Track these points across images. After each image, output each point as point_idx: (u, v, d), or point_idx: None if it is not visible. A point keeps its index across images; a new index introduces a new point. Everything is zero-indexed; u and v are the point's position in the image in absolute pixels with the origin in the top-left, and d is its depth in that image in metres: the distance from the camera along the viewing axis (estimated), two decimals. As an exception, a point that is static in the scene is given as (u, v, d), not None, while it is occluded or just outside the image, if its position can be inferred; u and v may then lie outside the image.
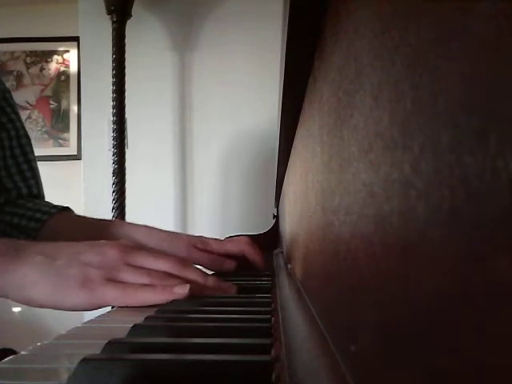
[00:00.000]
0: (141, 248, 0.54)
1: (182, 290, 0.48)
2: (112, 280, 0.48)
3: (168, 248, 0.75)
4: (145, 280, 0.49)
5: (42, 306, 0.48)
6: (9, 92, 0.88)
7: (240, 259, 0.81)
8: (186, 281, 0.51)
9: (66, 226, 0.78)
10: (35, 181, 0.86)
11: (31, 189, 0.85)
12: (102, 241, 0.54)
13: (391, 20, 0.16)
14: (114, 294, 0.47)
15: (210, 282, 0.54)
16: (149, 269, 0.51)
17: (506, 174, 0.09)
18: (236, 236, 1.33)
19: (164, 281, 0.50)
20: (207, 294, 0.52)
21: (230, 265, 0.77)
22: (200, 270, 0.56)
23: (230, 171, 1.88)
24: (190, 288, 0.49)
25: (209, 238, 0.82)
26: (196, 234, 1.85)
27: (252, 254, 0.80)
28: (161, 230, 0.80)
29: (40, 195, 0.87)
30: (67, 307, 0.47)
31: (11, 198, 0.82)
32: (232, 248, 0.80)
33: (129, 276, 0.49)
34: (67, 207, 0.82)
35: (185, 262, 0.55)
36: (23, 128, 0.87)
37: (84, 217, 0.82)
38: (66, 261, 0.48)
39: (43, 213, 0.78)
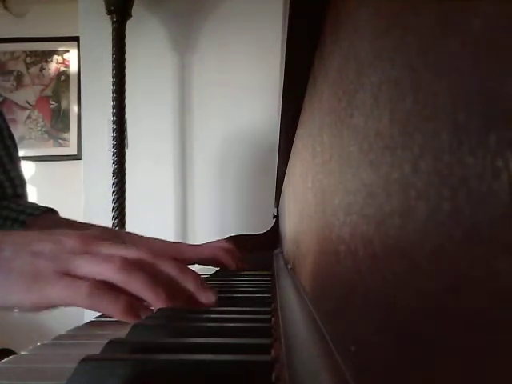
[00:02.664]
0: (107, 239, 0.45)
1: (143, 314, 0.39)
2: (66, 274, 0.40)
3: None
4: (105, 271, 0.40)
5: None
6: None
7: (215, 263, 0.83)
8: (154, 275, 0.42)
9: (49, 228, 0.78)
10: (20, 181, 0.87)
11: (16, 189, 0.85)
12: (64, 230, 0.46)
13: (391, 20, 0.16)
14: (62, 294, 0.39)
15: (189, 283, 0.45)
16: (112, 256, 0.42)
17: (506, 174, 0.09)
18: (237, 236, 1.33)
19: (129, 275, 0.41)
20: (183, 301, 0.43)
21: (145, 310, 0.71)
22: (178, 264, 0.46)
23: (230, 171, 1.88)
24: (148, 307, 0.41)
25: (184, 244, 0.83)
26: (196, 234, 1.85)
27: (224, 257, 0.81)
28: (140, 236, 0.80)
29: (24, 195, 0.87)
30: (11, 305, 0.40)
31: None
32: (205, 254, 0.81)
33: (85, 266, 0.41)
34: (51, 209, 0.82)
35: (157, 253, 0.45)
36: (8, 129, 0.87)
37: (67, 219, 0.82)
38: (12, 251, 0.41)
39: (28, 214, 0.78)
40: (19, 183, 0.86)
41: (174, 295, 0.43)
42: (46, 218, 0.80)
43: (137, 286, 0.41)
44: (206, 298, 0.45)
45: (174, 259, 0.46)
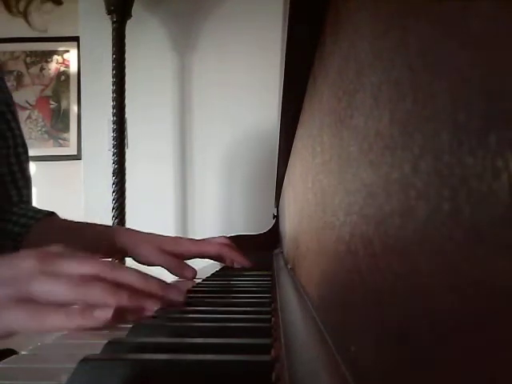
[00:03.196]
0: (63, 254, 0.44)
1: (103, 315, 0.39)
2: (23, 298, 0.40)
3: (133, 250, 0.75)
4: (60, 291, 0.40)
5: None
6: (11, 98, 0.88)
7: (219, 259, 0.83)
8: (116, 285, 0.42)
9: (51, 231, 0.78)
10: (27, 190, 0.87)
11: (22, 197, 0.85)
12: (21, 252, 0.45)
13: (391, 20, 0.16)
14: (18, 319, 0.39)
15: (153, 286, 0.44)
16: (68, 275, 0.42)
17: (506, 174, 0.09)
18: (237, 236, 1.33)
19: (85, 289, 0.41)
20: (147, 307, 0.42)
21: (189, 273, 0.73)
22: (140, 272, 0.45)
23: (230, 171, 1.88)
24: (117, 307, 0.40)
25: (184, 239, 0.83)
26: (196, 234, 1.85)
27: (229, 254, 0.81)
28: (137, 231, 0.79)
29: (29, 202, 0.87)
30: None
31: (1, 204, 0.82)
32: (208, 249, 0.81)
33: (42, 287, 0.40)
34: (53, 212, 0.83)
35: (115, 264, 0.46)
36: (21, 136, 0.87)
37: (69, 221, 0.82)
38: None
39: (28, 218, 0.78)
40: (26, 192, 0.86)
41: (136, 296, 0.42)
42: (48, 222, 0.80)
43: (96, 295, 0.41)
44: (174, 295, 0.45)
45: (138, 273, 0.45)
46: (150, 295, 0.43)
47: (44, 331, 0.39)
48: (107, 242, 0.59)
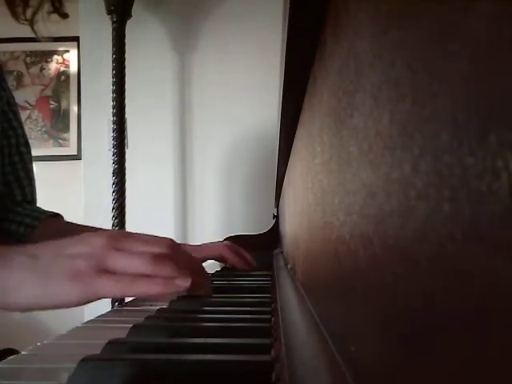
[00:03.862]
0: (129, 235, 0.51)
1: (183, 283, 0.45)
2: (103, 270, 0.45)
3: None
4: (137, 266, 0.46)
5: (30, 309, 0.44)
6: (13, 98, 0.88)
7: (221, 260, 0.84)
8: (178, 266, 0.48)
9: (55, 233, 0.79)
10: (30, 188, 0.87)
11: (26, 196, 0.85)
12: (88, 233, 0.50)
13: (391, 20, 0.16)
14: (107, 286, 0.44)
15: (200, 272, 0.54)
16: (140, 252, 0.48)
17: (506, 174, 0.09)
18: (237, 236, 1.33)
19: (158, 266, 0.46)
20: (199, 289, 0.51)
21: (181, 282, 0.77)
22: (191, 255, 0.54)
23: (230, 171, 1.88)
24: (192, 281, 0.46)
25: (187, 247, 0.84)
26: (196, 234, 1.85)
27: (230, 256, 0.82)
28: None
29: (33, 201, 0.88)
30: (59, 304, 0.44)
31: (5, 203, 0.82)
32: (210, 253, 0.82)
33: (120, 262, 0.46)
34: (57, 213, 0.83)
35: (175, 245, 0.52)
36: (24, 136, 0.87)
37: (73, 223, 0.82)
38: (51, 257, 0.45)
39: (33, 218, 0.79)
40: (29, 191, 0.86)
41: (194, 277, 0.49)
42: (52, 223, 0.80)
43: (168, 271, 0.47)
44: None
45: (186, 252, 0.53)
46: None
47: (129, 296, 0.45)
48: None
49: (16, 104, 0.89)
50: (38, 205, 0.87)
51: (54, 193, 2.29)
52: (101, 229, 0.81)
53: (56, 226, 0.80)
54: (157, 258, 0.47)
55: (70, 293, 0.43)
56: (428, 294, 0.13)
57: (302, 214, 0.51)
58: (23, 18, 0.86)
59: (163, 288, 0.45)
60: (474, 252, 0.10)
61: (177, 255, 0.50)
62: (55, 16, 0.90)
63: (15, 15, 0.86)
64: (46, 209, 0.84)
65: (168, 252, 0.49)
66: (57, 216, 0.83)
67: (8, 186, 0.83)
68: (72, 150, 2.39)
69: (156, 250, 0.49)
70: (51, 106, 2.43)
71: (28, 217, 0.79)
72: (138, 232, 0.53)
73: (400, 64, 0.15)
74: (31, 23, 0.87)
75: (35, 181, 0.89)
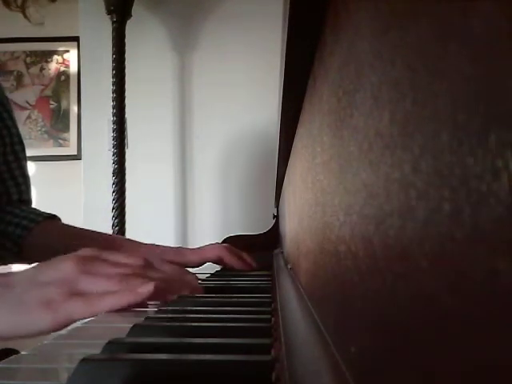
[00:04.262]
0: (97, 256, 0.52)
1: (146, 289, 0.47)
2: (74, 294, 0.46)
3: None
4: (105, 285, 0.48)
5: (6, 338, 0.46)
6: (6, 98, 0.88)
7: (219, 263, 0.83)
8: (146, 278, 0.50)
9: (52, 235, 0.79)
10: (26, 187, 0.87)
11: (22, 195, 0.85)
12: (57, 257, 0.52)
13: (391, 20, 0.16)
14: (77, 308, 0.45)
15: (175, 273, 0.54)
16: (106, 273, 0.49)
17: (506, 174, 0.09)
18: (237, 236, 1.33)
19: (125, 282, 0.48)
20: (174, 291, 0.51)
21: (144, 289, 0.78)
22: (159, 272, 0.54)
23: (230, 171, 1.88)
24: (156, 286, 0.47)
25: (185, 249, 0.83)
26: (196, 234, 1.85)
27: (228, 258, 0.82)
28: (138, 242, 0.82)
29: (29, 200, 0.88)
30: (32, 333, 0.45)
31: (1, 202, 0.82)
32: (209, 256, 0.81)
33: (88, 285, 0.48)
34: (54, 215, 0.83)
35: (145, 261, 0.54)
36: (18, 135, 0.87)
37: (70, 226, 0.82)
38: (23, 286, 0.47)
39: (29, 220, 0.79)
40: (25, 189, 0.86)
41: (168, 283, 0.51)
42: (49, 225, 0.80)
43: (135, 284, 0.48)
44: (185, 291, 0.53)
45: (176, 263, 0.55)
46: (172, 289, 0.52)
47: (99, 313, 0.46)
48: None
49: (10, 103, 0.89)
50: (38, 205, 0.87)
51: (54, 193, 2.29)
52: (98, 233, 0.81)
53: (52, 229, 0.80)
54: (123, 275, 0.49)
55: (42, 320, 0.44)
56: (428, 294, 0.13)
57: (301, 214, 0.51)
58: (14, 5, 0.87)
59: (128, 299, 0.46)
60: (474, 252, 0.10)
61: (146, 272, 0.52)
62: (45, 1, 0.90)
63: (7, 4, 0.86)
64: (45, 209, 0.84)
65: (137, 270, 0.51)
66: (54, 218, 0.83)
67: (3, 184, 0.83)
68: (72, 150, 2.39)
69: (124, 270, 0.51)
70: (51, 106, 2.43)
71: (25, 219, 0.79)
72: (111, 252, 0.55)
73: (400, 64, 0.15)
74: (23, 9, 0.88)
75: (30, 179, 0.89)
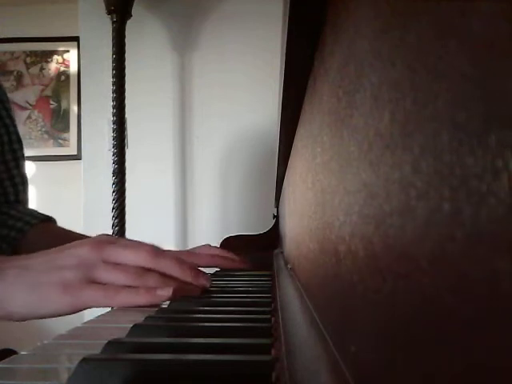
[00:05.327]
0: (113, 242, 0.53)
1: (165, 293, 0.48)
2: (91, 281, 0.48)
3: None
4: (122, 279, 0.49)
5: (24, 319, 0.47)
6: (5, 95, 0.88)
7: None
8: (163, 277, 0.51)
9: (46, 238, 0.79)
10: (23, 187, 0.87)
11: (19, 195, 0.85)
12: (74, 242, 0.53)
13: (391, 20, 0.16)
14: (95, 297, 0.47)
15: (188, 274, 0.54)
16: (125, 265, 0.50)
17: (506, 174, 0.09)
18: (237, 236, 1.33)
19: (142, 279, 0.49)
20: (187, 291, 0.52)
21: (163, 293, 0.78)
22: (179, 263, 0.54)
23: (230, 171, 1.88)
24: (174, 290, 0.48)
25: (175, 252, 0.82)
26: (196, 234, 1.85)
27: (220, 264, 0.80)
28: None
29: (25, 201, 0.88)
30: (50, 314, 0.47)
31: None
32: (203, 262, 0.80)
33: (106, 275, 0.49)
34: (50, 217, 0.83)
35: (158, 252, 0.54)
36: (16, 133, 0.87)
37: (65, 229, 0.82)
38: (41, 269, 0.48)
39: (24, 223, 0.79)
40: (22, 189, 0.86)
41: (179, 285, 0.51)
42: (44, 228, 0.80)
43: (151, 283, 0.49)
44: (204, 282, 0.55)
45: (173, 261, 0.54)
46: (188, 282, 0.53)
47: (115, 306, 0.47)
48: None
49: (9, 101, 0.89)
50: (38, 205, 0.87)
51: (54, 193, 2.29)
52: (89, 236, 0.81)
53: (47, 231, 0.80)
54: (140, 270, 0.50)
55: (59, 303, 0.46)
56: (428, 294, 0.13)
57: (301, 214, 0.51)
58: None
59: (146, 299, 0.47)
60: (474, 252, 0.10)
61: (161, 263, 0.52)
62: None
63: None
64: (45, 209, 0.84)
65: (152, 261, 0.52)
66: (49, 220, 0.82)
67: (1, 185, 0.83)
68: (72, 150, 2.39)
69: (141, 260, 0.51)
70: (51, 106, 2.43)
71: (20, 220, 0.79)
72: (124, 239, 0.56)
73: (400, 64, 0.15)
74: None
75: (27, 178, 0.89)
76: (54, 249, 0.52)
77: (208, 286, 0.55)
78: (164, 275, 0.51)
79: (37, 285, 0.46)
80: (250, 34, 1.84)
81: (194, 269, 0.55)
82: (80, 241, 0.53)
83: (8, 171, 0.84)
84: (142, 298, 0.47)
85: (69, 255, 0.50)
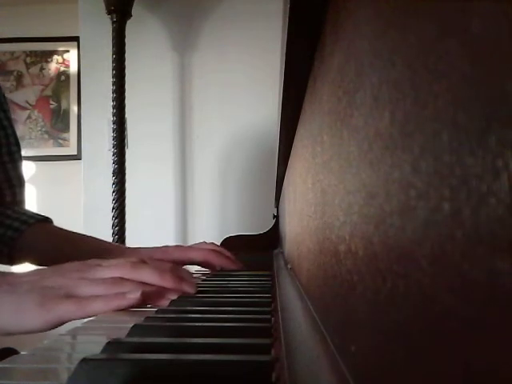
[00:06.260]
0: (97, 263, 0.55)
1: (133, 295, 0.48)
2: (68, 297, 0.49)
3: None
4: (98, 289, 0.50)
5: (6, 333, 0.49)
6: (4, 97, 0.88)
7: (207, 266, 0.82)
8: (140, 284, 0.51)
9: (42, 238, 0.79)
10: (20, 189, 0.87)
11: (15, 196, 0.85)
12: (65, 264, 0.55)
13: (391, 20, 0.16)
14: (67, 309, 0.47)
15: (168, 281, 0.54)
16: (104, 278, 0.52)
17: (506, 174, 0.09)
18: (237, 236, 1.33)
19: (118, 287, 0.50)
20: (166, 296, 0.52)
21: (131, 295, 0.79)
22: (156, 271, 0.55)
23: (230, 171, 1.88)
24: (143, 292, 0.49)
25: (171, 247, 0.82)
26: (196, 234, 1.85)
27: (216, 260, 0.80)
28: (126, 247, 0.83)
29: (22, 201, 0.88)
30: (27, 329, 0.47)
31: None
32: (195, 256, 0.80)
33: (85, 289, 0.50)
34: (47, 218, 0.83)
35: (137, 264, 0.55)
36: (14, 135, 0.87)
37: (62, 229, 0.82)
38: (27, 288, 0.49)
39: (21, 222, 0.79)
40: (19, 190, 0.86)
41: (155, 292, 0.52)
42: (40, 228, 0.80)
43: (125, 290, 0.50)
44: (187, 288, 0.55)
45: (154, 270, 0.55)
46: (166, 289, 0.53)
47: (88, 315, 0.48)
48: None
49: (8, 102, 0.89)
50: (38, 205, 0.88)
51: (54, 193, 2.29)
52: (91, 237, 0.81)
53: (43, 231, 0.80)
54: (118, 279, 0.52)
55: (33, 320, 0.47)
56: (428, 294, 0.13)
57: (301, 214, 0.51)
58: None
59: (115, 303, 0.48)
60: (474, 252, 0.10)
61: (140, 273, 0.54)
62: None
63: None
64: (45, 209, 0.84)
65: (131, 270, 0.53)
66: (46, 220, 0.83)
67: None
68: (72, 150, 2.39)
69: (120, 271, 0.53)
70: (51, 106, 2.43)
71: (16, 220, 0.79)
72: (115, 260, 0.57)
73: (400, 64, 0.15)
74: None
75: (24, 180, 0.89)
76: (44, 268, 0.55)
77: (192, 292, 0.55)
78: (142, 283, 0.52)
79: (17, 303, 0.48)
80: (250, 34, 1.84)
81: (177, 276, 0.55)
82: (70, 263, 0.55)
83: (5, 173, 0.84)
84: (112, 303, 0.48)
85: (55, 276, 0.52)
